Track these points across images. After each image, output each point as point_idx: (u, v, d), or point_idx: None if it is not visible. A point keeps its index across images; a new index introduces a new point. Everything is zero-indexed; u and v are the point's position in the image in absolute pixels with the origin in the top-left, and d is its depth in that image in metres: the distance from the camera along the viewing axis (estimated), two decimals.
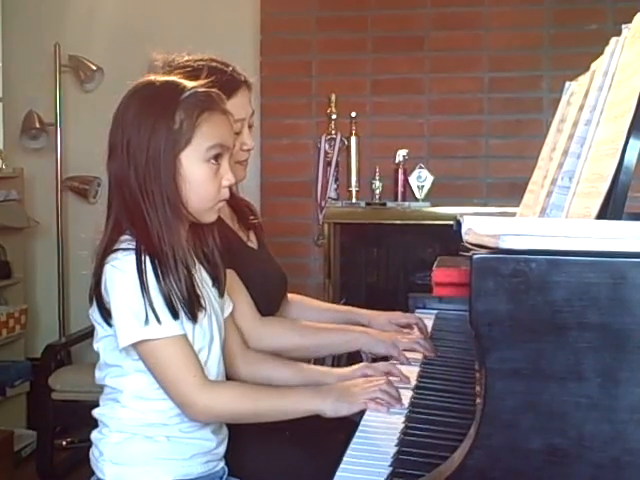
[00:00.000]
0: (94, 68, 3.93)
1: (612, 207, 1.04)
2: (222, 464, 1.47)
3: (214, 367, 1.41)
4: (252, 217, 1.87)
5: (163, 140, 1.32)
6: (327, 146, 3.75)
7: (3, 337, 3.64)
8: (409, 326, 1.89)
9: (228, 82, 1.66)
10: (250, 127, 1.78)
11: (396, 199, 3.65)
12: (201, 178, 1.36)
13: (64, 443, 3.51)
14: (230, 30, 3.84)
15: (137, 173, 1.33)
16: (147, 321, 1.27)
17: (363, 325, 1.88)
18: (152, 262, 1.29)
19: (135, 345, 1.31)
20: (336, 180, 3.76)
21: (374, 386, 1.41)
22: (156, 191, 1.32)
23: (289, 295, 1.98)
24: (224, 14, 3.94)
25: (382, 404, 1.38)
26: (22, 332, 3.81)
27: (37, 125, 3.93)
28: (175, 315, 1.30)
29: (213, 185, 1.37)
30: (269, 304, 1.81)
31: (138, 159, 1.33)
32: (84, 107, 3.95)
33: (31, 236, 4.10)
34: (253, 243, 1.84)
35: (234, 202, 1.85)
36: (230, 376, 1.52)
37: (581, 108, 1.37)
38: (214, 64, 1.70)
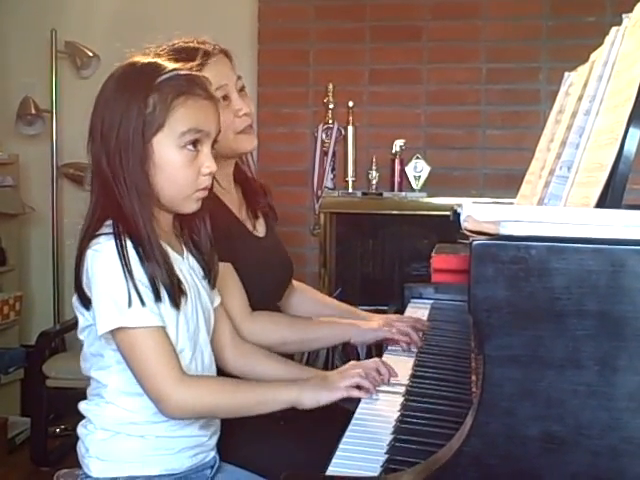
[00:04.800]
0: (90, 55, 3.92)
1: (611, 196, 1.04)
2: (213, 453, 1.45)
3: (200, 358, 1.39)
4: (261, 202, 1.84)
5: (133, 124, 1.28)
6: (324, 135, 3.74)
7: None
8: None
9: (194, 54, 1.60)
10: (241, 92, 1.71)
11: (392, 189, 3.65)
12: (175, 165, 1.31)
13: (58, 430, 3.51)
14: (228, 18, 3.83)
15: (108, 157, 1.30)
16: (130, 303, 1.24)
17: None
18: (134, 246, 1.26)
19: (113, 333, 1.27)
20: (333, 170, 3.75)
21: (352, 374, 1.39)
22: (126, 177, 1.29)
23: (295, 283, 1.97)
24: (222, 2, 3.92)
25: (364, 389, 1.37)
26: (16, 319, 3.80)
27: (33, 111, 3.91)
28: (158, 298, 1.27)
29: (189, 172, 1.32)
30: (270, 295, 1.80)
31: (109, 142, 1.30)
32: (80, 94, 3.92)
33: (26, 223, 4.09)
34: (259, 231, 1.81)
35: (245, 184, 1.83)
36: (219, 366, 1.51)
37: (580, 98, 1.37)
38: (179, 44, 1.66)
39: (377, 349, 2.72)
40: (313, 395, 1.33)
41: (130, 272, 1.25)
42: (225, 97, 1.66)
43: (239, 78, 1.73)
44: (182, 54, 1.58)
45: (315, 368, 1.74)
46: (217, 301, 1.50)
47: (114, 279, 1.25)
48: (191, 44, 1.68)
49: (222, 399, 1.33)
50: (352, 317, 1.90)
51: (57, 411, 3.46)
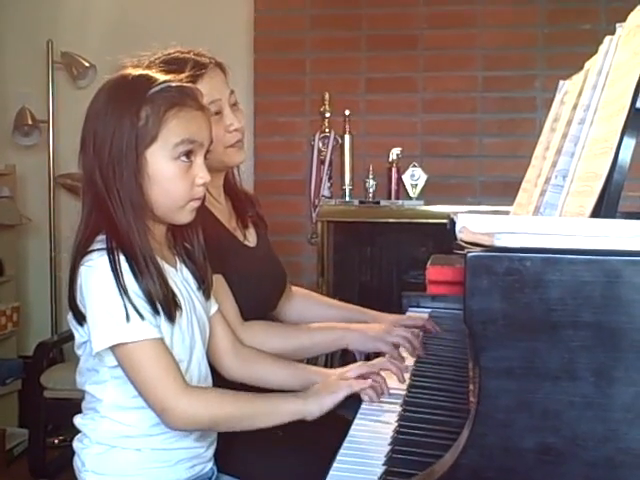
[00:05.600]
0: (87, 65, 3.91)
1: (606, 206, 1.04)
2: (210, 465, 1.44)
3: (196, 371, 1.38)
4: (250, 212, 1.85)
5: (126, 137, 1.28)
6: (321, 144, 3.74)
7: None
8: (416, 328, 1.85)
9: (189, 65, 1.60)
10: (234, 107, 1.72)
11: (389, 197, 3.65)
12: (169, 176, 1.31)
13: (56, 441, 3.49)
14: (224, 28, 3.83)
15: (101, 170, 1.29)
16: (128, 319, 1.23)
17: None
18: (127, 261, 1.26)
19: (112, 349, 1.26)
20: (330, 178, 3.76)
21: (353, 375, 1.40)
22: (119, 190, 1.28)
23: (294, 289, 1.97)
24: (218, 12, 3.93)
25: (366, 393, 1.38)
26: (14, 330, 3.80)
27: (29, 122, 3.90)
28: (156, 312, 1.26)
29: (183, 183, 1.32)
30: (263, 304, 1.79)
31: (102, 155, 1.29)
32: (77, 104, 3.86)
33: (23, 233, 4.08)
34: (250, 241, 1.81)
35: (234, 195, 1.83)
36: (222, 374, 1.51)
37: (575, 107, 1.37)
38: (175, 54, 1.67)
39: (376, 356, 2.72)
40: (317, 402, 1.33)
41: (124, 288, 1.24)
42: (218, 112, 1.67)
43: (232, 92, 1.73)
44: (175, 64, 1.58)
45: None
46: (213, 309, 1.49)
47: (109, 296, 1.24)
48: (187, 55, 1.68)
49: (226, 409, 1.31)
50: (359, 317, 1.90)
51: (55, 422, 3.44)
